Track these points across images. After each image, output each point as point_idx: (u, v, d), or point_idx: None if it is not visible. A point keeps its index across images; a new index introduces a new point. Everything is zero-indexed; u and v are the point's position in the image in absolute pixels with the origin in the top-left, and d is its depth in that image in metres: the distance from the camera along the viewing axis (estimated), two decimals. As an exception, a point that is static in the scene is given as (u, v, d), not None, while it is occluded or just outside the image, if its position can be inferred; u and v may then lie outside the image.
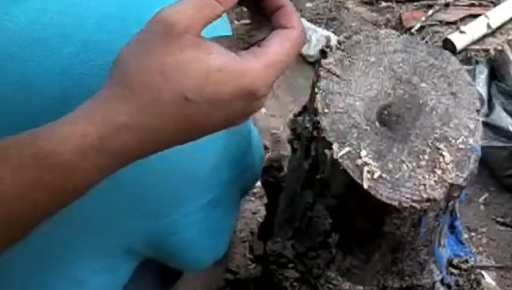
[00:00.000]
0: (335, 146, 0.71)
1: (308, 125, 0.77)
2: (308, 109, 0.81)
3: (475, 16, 2.16)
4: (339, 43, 0.80)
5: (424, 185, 0.69)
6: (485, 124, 1.71)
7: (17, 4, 0.54)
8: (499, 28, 2.13)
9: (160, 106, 0.44)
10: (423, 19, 2.19)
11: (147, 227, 0.70)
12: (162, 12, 0.44)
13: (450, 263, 0.89)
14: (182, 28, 0.43)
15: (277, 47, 0.48)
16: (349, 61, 0.78)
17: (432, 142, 0.72)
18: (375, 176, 0.69)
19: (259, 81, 0.46)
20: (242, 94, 0.46)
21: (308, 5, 2.33)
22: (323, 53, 0.79)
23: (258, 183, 1.14)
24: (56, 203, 0.45)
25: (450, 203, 0.75)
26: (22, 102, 0.55)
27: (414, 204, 0.69)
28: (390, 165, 0.70)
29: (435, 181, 0.70)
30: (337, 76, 0.77)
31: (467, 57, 2.03)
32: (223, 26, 0.49)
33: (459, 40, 2.03)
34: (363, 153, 0.71)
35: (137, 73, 0.44)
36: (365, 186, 0.68)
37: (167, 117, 0.45)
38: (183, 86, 0.44)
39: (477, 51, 2.06)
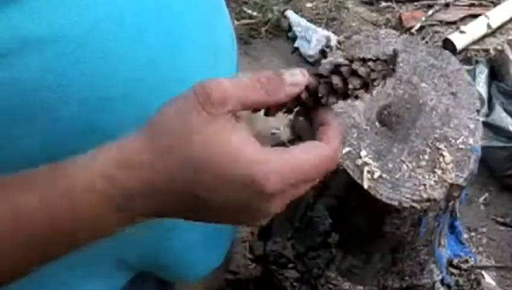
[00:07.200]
0: (335, 146, 0.71)
1: (308, 125, 0.77)
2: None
3: (475, 16, 2.16)
4: (339, 43, 0.80)
5: (424, 185, 0.69)
6: (485, 124, 1.71)
7: None
8: (499, 28, 2.13)
9: (172, 172, 0.43)
10: (423, 19, 2.18)
11: (141, 236, 0.70)
12: (205, 82, 0.43)
13: (450, 263, 0.89)
14: (218, 100, 0.42)
15: (303, 154, 0.44)
16: (349, 61, 0.78)
17: (432, 142, 0.72)
18: (375, 176, 0.69)
19: (272, 175, 0.42)
20: (250, 182, 0.42)
21: (308, 5, 2.33)
22: (323, 53, 0.79)
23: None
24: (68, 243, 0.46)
25: (450, 203, 0.75)
26: None
27: (414, 204, 0.69)
28: (390, 165, 0.70)
29: (435, 181, 0.70)
30: (337, 76, 0.77)
31: (467, 57, 2.03)
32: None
33: (459, 40, 2.03)
34: (363, 153, 0.71)
35: (166, 137, 0.43)
36: (365, 186, 0.68)
37: (176, 183, 0.43)
38: (199, 163, 0.42)
39: (477, 51, 2.06)
